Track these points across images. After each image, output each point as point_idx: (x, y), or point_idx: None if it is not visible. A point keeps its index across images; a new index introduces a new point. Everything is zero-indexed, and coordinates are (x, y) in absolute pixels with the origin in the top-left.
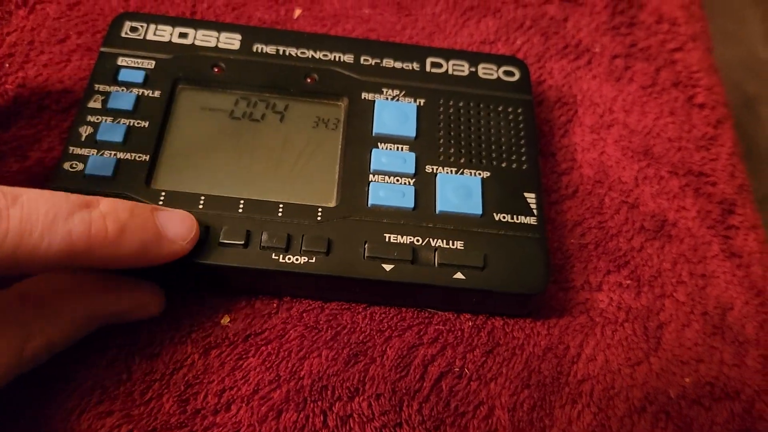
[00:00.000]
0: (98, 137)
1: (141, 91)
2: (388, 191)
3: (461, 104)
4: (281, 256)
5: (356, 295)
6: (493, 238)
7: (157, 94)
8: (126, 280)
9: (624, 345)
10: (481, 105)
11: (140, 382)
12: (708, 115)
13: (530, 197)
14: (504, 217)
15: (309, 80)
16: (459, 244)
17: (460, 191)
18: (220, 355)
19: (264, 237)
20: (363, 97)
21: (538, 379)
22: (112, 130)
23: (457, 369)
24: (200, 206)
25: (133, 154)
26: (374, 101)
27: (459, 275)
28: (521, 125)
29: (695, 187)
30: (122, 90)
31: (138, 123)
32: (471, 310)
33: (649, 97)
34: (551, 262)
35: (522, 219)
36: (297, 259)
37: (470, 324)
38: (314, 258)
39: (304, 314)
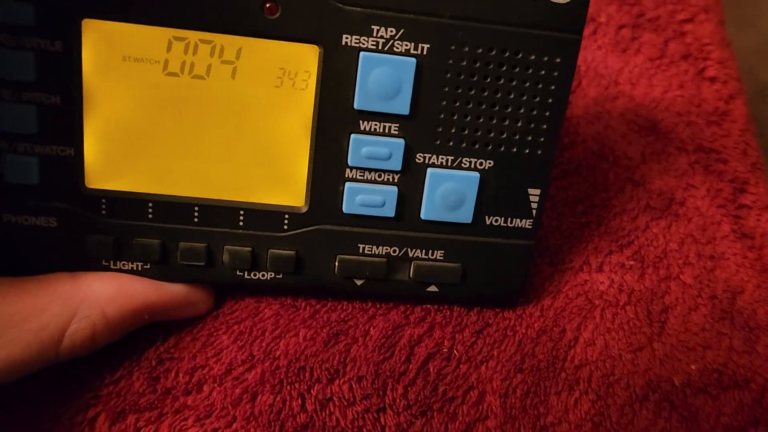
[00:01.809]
0: (5, 128)
1: (36, 42)
2: (367, 196)
3: (480, 51)
4: (246, 273)
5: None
6: (478, 246)
7: (58, 45)
8: None
9: (625, 329)
10: (509, 53)
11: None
12: (719, 90)
13: (534, 194)
14: (496, 221)
15: (267, 10)
16: (439, 254)
17: (450, 197)
18: (192, 330)
19: (226, 257)
20: (344, 43)
21: (532, 363)
22: (20, 118)
23: (446, 350)
24: (150, 216)
25: (54, 147)
26: (359, 53)
27: (433, 288)
28: (553, 85)
29: (705, 165)
30: (9, 45)
31: (47, 99)
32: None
33: (657, 69)
34: (544, 246)
35: (516, 222)
36: (263, 275)
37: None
38: (282, 274)
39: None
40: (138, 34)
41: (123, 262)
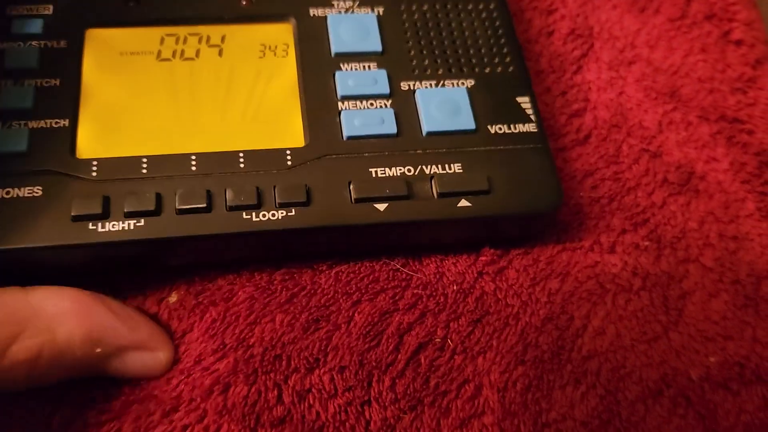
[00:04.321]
0: (1, 106)
1: (43, 43)
2: (365, 119)
3: (425, 7)
4: (253, 214)
5: (341, 245)
6: (493, 155)
7: (63, 44)
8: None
9: (639, 317)
10: (449, 5)
11: None
12: (745, 54)
13: (524, 101)
14: (500, 128)
15: (244, 1)
16: (457, 167)
17: (445, 106)
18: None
19: (229, 195)
20: (312, 15)
21: (534, 355)
22: (17, 95)
23: (439, 340)
24: (144, 170)
25: (49, 121)
26: (326, 17)
27: (464, 203)
28: (497, 21)
29: (728, 135)
30: (19, 45)
31: (47, 82)
32: (473, 240)
33: (678, 31)
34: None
35: (520, 127)
36: (273, 215)
37: (455, 288)
38: (293, 210)
39: (256, 273)
40: (135, 35)
41: (113, 223)
